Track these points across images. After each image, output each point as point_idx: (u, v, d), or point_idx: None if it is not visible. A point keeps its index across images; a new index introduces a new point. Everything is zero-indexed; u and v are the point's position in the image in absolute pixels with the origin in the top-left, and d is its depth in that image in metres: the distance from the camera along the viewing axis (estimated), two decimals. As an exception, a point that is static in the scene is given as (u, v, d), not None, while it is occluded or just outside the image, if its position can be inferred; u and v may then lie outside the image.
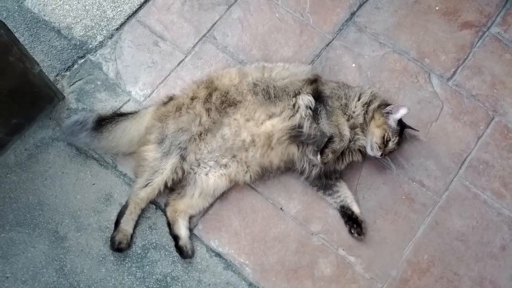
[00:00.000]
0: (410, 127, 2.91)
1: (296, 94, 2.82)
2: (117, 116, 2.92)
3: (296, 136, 2.76)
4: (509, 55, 3.28)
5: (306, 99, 2.81)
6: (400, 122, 2.86)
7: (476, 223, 2.86)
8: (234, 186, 2.89)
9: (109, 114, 2.93)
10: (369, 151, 2.86)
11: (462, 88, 3.18)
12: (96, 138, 2.85)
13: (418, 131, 2.97)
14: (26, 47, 2.72)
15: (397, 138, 2.84)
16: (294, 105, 2.79)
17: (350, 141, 2.81)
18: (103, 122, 2.86)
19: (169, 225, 2.78)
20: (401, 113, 2.80)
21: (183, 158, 2.77)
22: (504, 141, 3.04)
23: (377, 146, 2.81)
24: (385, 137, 2.80)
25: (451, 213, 2.88)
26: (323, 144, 2.74)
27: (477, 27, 3.36)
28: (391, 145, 2.83)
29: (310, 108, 2.79)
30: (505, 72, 3.22)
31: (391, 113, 2.82)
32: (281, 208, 2.88)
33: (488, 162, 2.99)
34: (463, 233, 2.84)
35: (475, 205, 2.90)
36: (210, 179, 2.81)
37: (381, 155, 2.82)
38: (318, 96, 2.84)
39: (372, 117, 2.87)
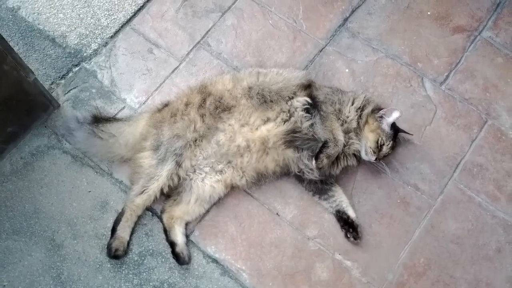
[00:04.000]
0: (404, 131, 2.92)
1: (290, 98, 2.83)
2: (112, 119, 2.98)
3: (291, 141, 2.77)
4: (501, 59, 3.30)
5: (302, 100, 2.83)
6: (394, 126, 2.87)
7: (471, 226, 2.87)
8: (230, 192, 2.90)
9: (105, 117, 2.98)
10: (363, 156, 2.87)
11: (455, 92, 3.21)
12: (91, 137, 2.88)
13: (412, 135, 2.99)
14: (20, 56, 2.72)
15: (391, 143, 2.85)
16: (289, 109, 2.81)
17: (344, 146, 2.82)
18: (99, 121, 2.92)
19: (165, 231, 2.78)
20: (394, 116, 2.81)
21: (178, 164, 2.77)
22: (498, 144, 3.06)
23: (371, 150, 2.82)
24: (379, 142, 2.82)
25: (446, 216, 2.89)
26: (318, 149, 2.76)
27: (468, 31, 3.39)
28: (385, 149, 2.84)
29: (307, 110, 2.81)
30: (497, 75, 3.25)
31: (385, 117, 2.84)
32: (277, 213, 2.89)
33: (482, 165, 3.01)
34: (459, 236, 2.85)
35: (470, 208, 2.91)
36: (206, 185, 2.81)
37: (376, 159, 2.83)
38: (312, 101, 2.86)
39: (366, 122, 2.88)
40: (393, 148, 2.88)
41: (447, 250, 2.82)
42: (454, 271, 2.78)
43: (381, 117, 2.84)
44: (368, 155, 2.84)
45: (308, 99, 2.84)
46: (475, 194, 2.95)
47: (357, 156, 2.92)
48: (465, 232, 2.86)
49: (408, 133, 2.95)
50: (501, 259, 2.80)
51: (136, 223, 2.80)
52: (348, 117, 2.86)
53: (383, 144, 2.83)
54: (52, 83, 3.18)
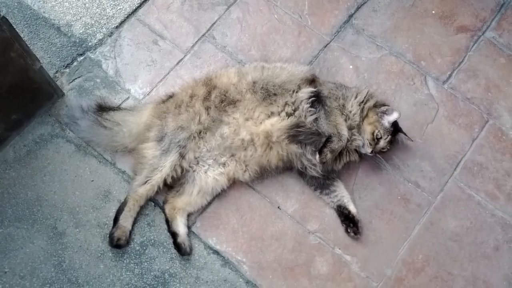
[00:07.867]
0: (405, 134, 2.92)
1: (295, 92, 2.85)
2: (117, 108, 3.01)
3: (294, 135, 2.79)
4: (504, 59, 3.33)
5: (307, 90, 2.84)
6: (395, 125, 2.89)
7: (470, 224, 2.90)
8: (232, 185, 2.91)
9: (109, 106, 3.00)
10: (361, 148, 2.89)
11: (457, 91, 3.23)
12: (95, 126, 2.90)
13: (413, 140, 2.99)
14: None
15: (389, 137, 2.85)
16: (294, 102, 2.82)
17: (347, 141, 2.84)
18: (103, 110, 2.94)
19: (167, 222, 2.80)
20: (394, 116, 2.83)
21: (182, 156, 2.79)
22: (498, 144, 3.09)
23: (368, 142, 2.84)
24: (375, 134, 2.83)
25: (445, 213, 2.92)
26: (322, 144, 2.78)
27: (472, 31, 3.41)
28: (382, 143, 2.85)
29: (312, 104, 2.82)
30: (499, 76, 3.28)
31: (386, 114, 2.85)
32: (278, 207, 2.91)
33: (483, 164, 3.04)
34: (457, 234, 2.88)
35: (469, 206, 2.94)
36: (209, 177, 2.83)
37: (371, 152, 2.85)
38: (316, 96, 2.87)
39: (366, 115, 2.90)
40: (391, 142, 2.89)
41: (445, 247, 2.85)
42: (452, 268, 2.81)
43: (383, 113, 2.85)
44: (364, 147, 2.86)
45: (314, 89, 2.86)
46: (475, 192, 2.97)
47: (359, 152, 2.93)
48: (464, 230, 2.89)
49: (409, 138, 2.94)
50: (498, 257, 2.83)
51: (138, 213, 2.81)
52: (351, 111, 2.88)
53: (380, 138, 2.83)
54: (56, 72, 3.18)
